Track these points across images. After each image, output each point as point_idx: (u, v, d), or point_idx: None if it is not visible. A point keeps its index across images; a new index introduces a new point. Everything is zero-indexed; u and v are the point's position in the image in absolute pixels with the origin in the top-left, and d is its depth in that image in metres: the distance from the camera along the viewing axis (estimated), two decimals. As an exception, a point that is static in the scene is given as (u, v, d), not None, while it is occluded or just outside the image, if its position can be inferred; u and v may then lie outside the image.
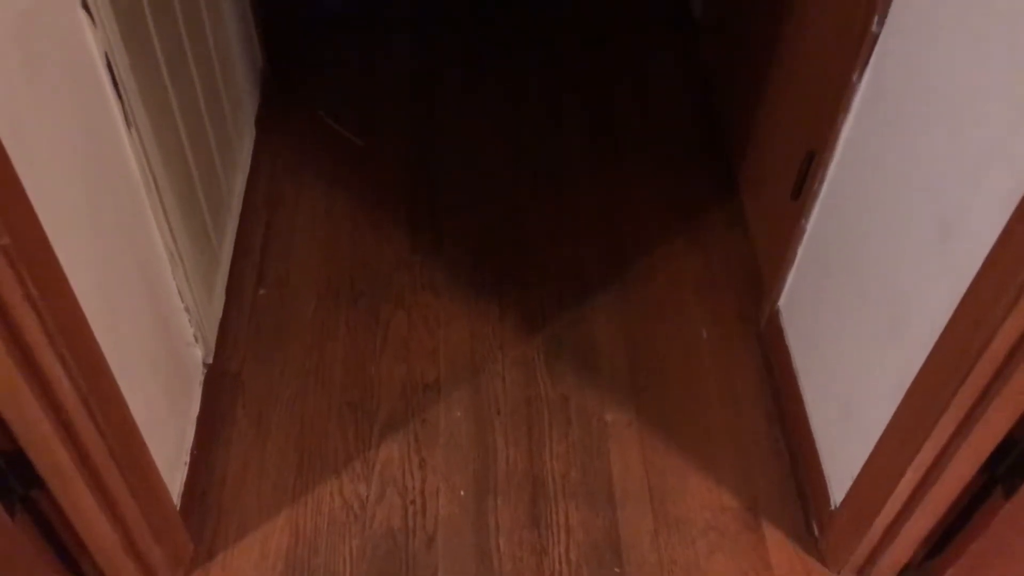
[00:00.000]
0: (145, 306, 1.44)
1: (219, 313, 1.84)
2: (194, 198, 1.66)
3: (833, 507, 1.57)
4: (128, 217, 1.38)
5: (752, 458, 1.74)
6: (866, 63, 1.48)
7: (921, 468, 1.31)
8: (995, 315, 1.08)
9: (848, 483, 1.51)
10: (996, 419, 1.19)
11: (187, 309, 1.62)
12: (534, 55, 2.64)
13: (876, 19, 1.43)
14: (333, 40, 2.66)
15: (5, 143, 0.95)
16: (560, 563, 1.58)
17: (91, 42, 1.23)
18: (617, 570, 1.58)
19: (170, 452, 1.53)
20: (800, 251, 1.76)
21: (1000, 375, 1.14)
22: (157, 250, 1.50)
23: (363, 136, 2.35)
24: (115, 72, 1.26)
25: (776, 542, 1.63)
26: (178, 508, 1.51)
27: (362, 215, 2.16)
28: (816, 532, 1.63)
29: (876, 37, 1.44)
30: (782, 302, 1.85)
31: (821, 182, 1.65)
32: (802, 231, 1.73)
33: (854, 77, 1.50)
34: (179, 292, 1.59)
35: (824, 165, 1.62)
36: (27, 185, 0.99)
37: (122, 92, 1.29)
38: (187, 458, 1.60)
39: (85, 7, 1.19)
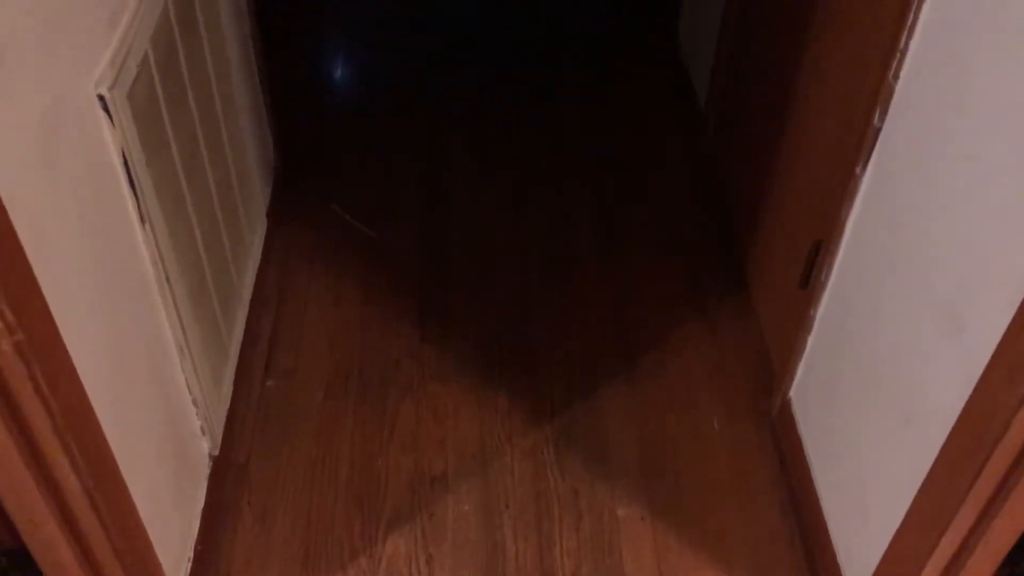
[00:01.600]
0: (153, 399, 1.44)
1: (226, 404, 1.84)
2: (205, 290, 1.68)
3: (851, 604, 1.53)
4: (139, 310, 1.39)
5: (766, 554, 1.71)
6: (869, 155, 1.50)
7: (939, 564, 1.28)
8: (1008, 406, 1.07)
9: (866, 579, 1.47)
10: (1015, 513, 1.16)
11: (195, 401, 1.62)
12: (543, 145, 2.68)
13: (878, 113, 1.45)
14: (344, 132, 2.71)
15: (23, 238, 0.96)
16: (571, 663, 1.54)
17: (109, 140, 1.25)
18: (630, 671, 1.53)
19: (174, 547, 1.51)
20: (810, 341, 1.75)
21: (1017, 466, 1.12)
22: (167, 343, 1.51)
23: (374, 227, 2.38)
24: (131, 169, 1.29)
25: (794, 641, 1.58)
26: (181, 606, 1.48)
27: (371, 304, 2.17)
28: (835, 630, 1.59)
29: (878, 131, 1.47)
30: (793, 392, 1.84)
31: (829, 272, 1.65)
32: (811, 321, 1.73)
33: (858, 169, 1.52)
34: (187, 384, 1.59)
35: (831, 255, 1.63)
36: (41, 279, 1.00)
37: (137, 188, 1.31)
38: (191, 553, 1.58)
39: (104, 107, 1.22)
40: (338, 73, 3.09)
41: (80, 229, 1.17)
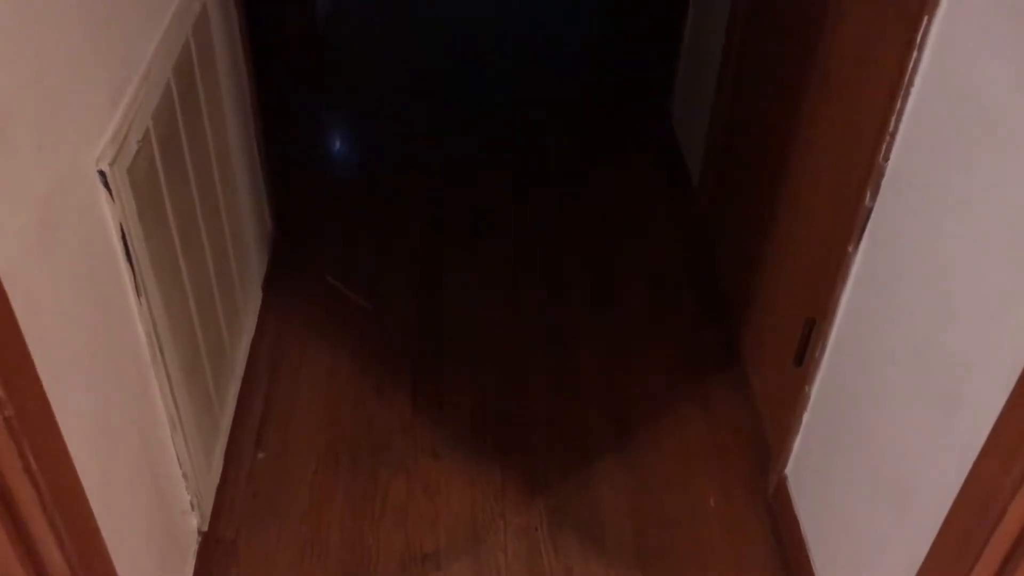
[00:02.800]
0: (143, 473, 1.42)
1: (216, 479, 1.82)
2: (198, 364, 1.67)
3: None
4: (132, 384, 1.38)
5: (764, 635, 1.67)
6: (861, 235, 1.51)
7: (941, 650, 1.26)
8: (1005, 489, 1.06)
9: (865, 665, 1.44)
10: (1015, 599, 1.15)
11: (185, 476, 1.60)
12: (537, 218, 2.71)
13: (869, 193, 1.47)
14: (341, 203, 2.73)
15: (17, 311, 0.96)
16: None
17: (108, 215, 1.26)
18: None
19: (159, 627, 1.47)
20: (806, 418, 1.75)
21: (1015, 551, 1.11)
22: (159, 416, 1.49)
23: (369, 299, 2.39)
24: (129, 243, 1.30)
25: None
26: None
27: (364, 377, 2.16)
28: None
29: (870, 211, 1.49)
30: (789, 469, 1.82)
31: (823, 350, 1.65)
32: (806, 398, 1.72)
33: (850, 248, 1.54)
34: (178, 459, 1.57)
35: (825, 333, 1.63)
36: (34, 353, 1.00)
37: (134, 262, 1.32)
38: (176, 633, 1.54)
39: (104, 183, 1.23)
40: (336, 145, 3.13)
41: (75, 302, 1.18)
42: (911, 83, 1.35)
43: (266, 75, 2.37)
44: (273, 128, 2.42)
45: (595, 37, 3.77)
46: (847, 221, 1.54)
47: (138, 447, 1.40)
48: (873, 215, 1.48)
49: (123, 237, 1.29)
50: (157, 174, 1.41)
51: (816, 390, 1.70)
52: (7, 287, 0.94)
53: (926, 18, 1.30)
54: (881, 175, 1.44)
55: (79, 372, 1.18)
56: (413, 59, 3.49)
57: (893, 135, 1.41)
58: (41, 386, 1.02)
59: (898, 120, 1.39)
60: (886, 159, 1.43)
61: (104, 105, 1.27)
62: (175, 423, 1.52)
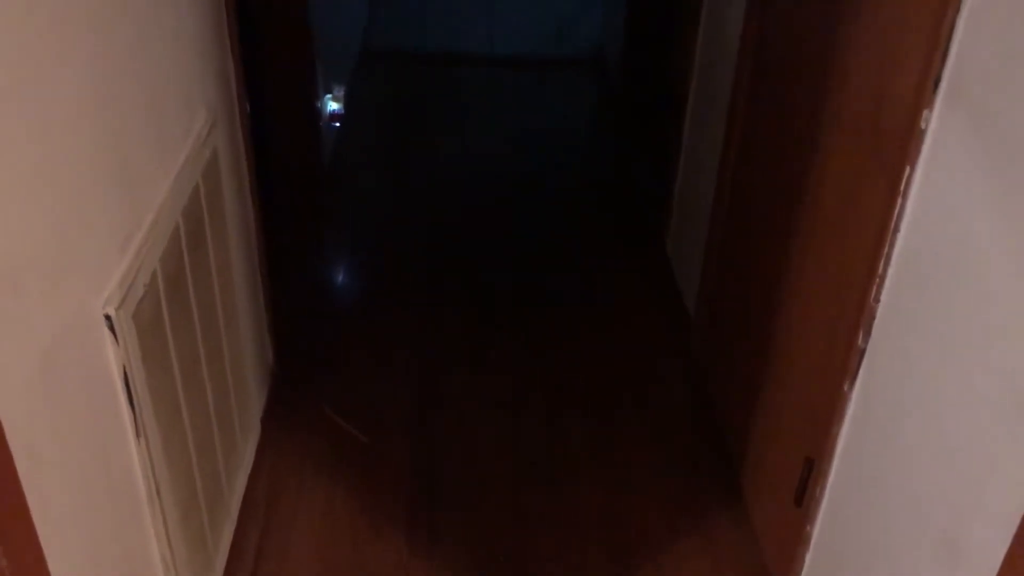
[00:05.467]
0: (133, 619, 1.39)
1: (209, 622, 1.77)
2: (194, 503, 1.66)
3: None
4: (127, 525, 1.37)
5: None
6: (855, 375, 1.53)
7: None
8: (1012, 642, 1.05)
9: None
10: None
11: (176, 620, 1.57)
12: (534, 350, 2.72)
13: (861, 334, 1.49)
14: (342, 337, 2.76)
15: (16, 457, 0.96)
16: None
17: (111, 357, 1.28)
18: None
19: None
20: (808, 558, 1.72)
21: None
22: (152, 558, 1.47)
23: (367, 432, 2.38)
24: (131, 385, 1.31)
25: None
26: None
27: (361, 514, 2.13)
28: None
29: (863, 351, 1.51)
30: (793, 612, 1.79)
31: (822, 490, 1.65)
32: (808, 538, 1.70)
33: (845, 387, 1.55)
34: (170, 602, 1.54)
35: (824, 473, 1.63)
36: (31, 499, 0.99)
37: (135, 404, 1.33)
38: None
39: (110, 326, 1.25)
40: (337, 278, 3.18)
41: (75, 446, 1.18)
42: (897, 228, 1.39)
43: (270, 210, 2.44)
44: (276, 262, 2.47)
45: (594, 172, 3.88)
46: (841, 360, 1.55)
47: (130, 592, 1.38)
48: (866, 356, 1.50)
49: (125, 379, 1.30)
50: (162, 317, 1.44)
51: (817, 531, 1.68)
52: (8, 435, 0.95)
53: (908, 167, 1.35)
54: (873, 316, 1.47)
55: (75, 514, 1.17)
56: (414, 194, 3.58)
57: (882, 277, 1.44)
58: (35, 534, 1.01)
59: (886, 263, 1.43)
60: (876, 300, 1.46)
61: (114, 251, 1.30)
62: (168, 565, 1.50)
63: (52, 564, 1.05)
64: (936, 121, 1.29)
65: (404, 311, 2.90)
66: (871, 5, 1.52)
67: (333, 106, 3.51)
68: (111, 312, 1.25)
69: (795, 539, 1.74)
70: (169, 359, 1.48)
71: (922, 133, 1.31)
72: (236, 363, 1.98)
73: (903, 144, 1.35)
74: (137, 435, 1.36)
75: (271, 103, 3.05)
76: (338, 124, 3.62)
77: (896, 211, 1.38)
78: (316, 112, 3.24)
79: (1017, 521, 1.04)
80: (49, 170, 1.10)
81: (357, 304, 3.00)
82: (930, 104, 1.29)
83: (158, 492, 1.43)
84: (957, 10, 1.23)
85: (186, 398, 1.58)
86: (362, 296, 3.05)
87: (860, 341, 1.50)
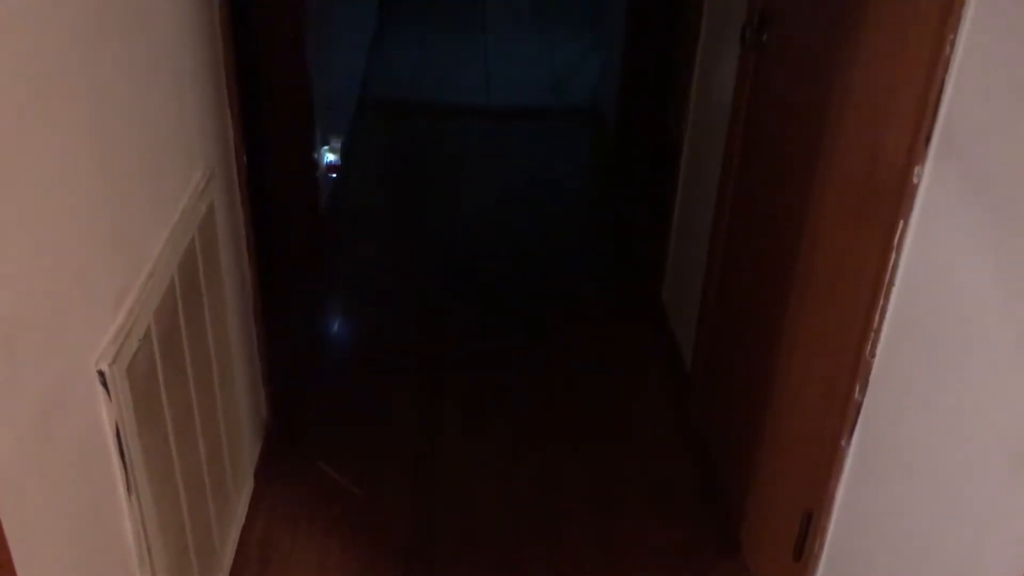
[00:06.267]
0: None
1: None
2: (186, 560, 1.63)
3: None
4: (116, 585, 1.35)
5: None
6: (853, 428, 1.52)
7: None
8: None
9: None
10: None
11: None
12: (532, 405, 2.71)
13: (858, 388, 1.49)
14: (337, 389, 2.74)
15: (4, 516, 0.95)
16: None
17: (104, 413, 1.27)
18: None
19: None
20: (808, 616, 1.70)
21: None
22: (142, 618, 1.45)
23: (362, 486, 2.36)
24: (123, 442, 1.30)
25: None
26: None
27: (356, 570, 2.11)
28: None
29: (860, 404, 1.50)
30: (794, 671, 1.76)
31: (821, 544, 1.63)
32: (807, 595, 1.68)
33: (843, 441, 1.54)
34: (159, 663, 1.51)
35: (822, 527, 1.62)
36: (16, 551, 0.98)
37: (127, 460, 1.32)
38: None
39: (103, 382, 1.25)
40: (333, 328, 3.17)
41: (65, 501, 1.17)
42: (891, 282, 1.40)
43: (266, 261, 2.44)
44: (271, 313, 2.47)
45: (589, 222, 3.90)
46: (838, 415, 1.55)
47: (118, 653, 1.35)
48: (863, 410, 1.50)
49: (118, 435, 1.29)
50: (156, 372, 1.43)
51: (817, 587, 1.66)
52: (-2, 495, 0.94)
53: (901, 222, 1.36)
54: (869, 370, 1.47)
55: (63, 571, 1.16)
56: (411, 245, 3.59)
57: (878, 331, 1.44)
58: (23, 597, 1.00)
59: (881, 317, 1.43)
60: (872, 355, 1.46)
61: (108, 306, 1.30)
62: (158, 625, 1.48)
63: (39, 626, 1.03)
64: (928, 176, 1.31)
65: (400, 362, 2.89)
66: (862, 63, 1.54)
67: (330, 157, 3.53)
68: (104, 368, 1.25)
69: (795, 595, 1.72)
70: (162, 414, 1.47)
71: (914, 188, 1.32)
72: (230, 416, 1.96)
73: (896, 199, 1.36)
74: (128, 492, 1.34)
75: (269, 154, 3.07)
76: (335, 175, 3.64)
77: (890, 265, 1.39)
78: (313, 163, 3.26)
79: (1018, 580, 1.03)
80: (45, 229, 1.10)
81: (352, 356, 2.99)
82: (922, 160, 1.31)
83: (149, 551, 1.41)
84: (946, 69, 1.24)
85: (179, 453, 1.56)
86: (357, 347, 3.04)
87: (857, 395, 1.50)
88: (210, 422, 1.78)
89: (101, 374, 1.25)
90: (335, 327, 3.18)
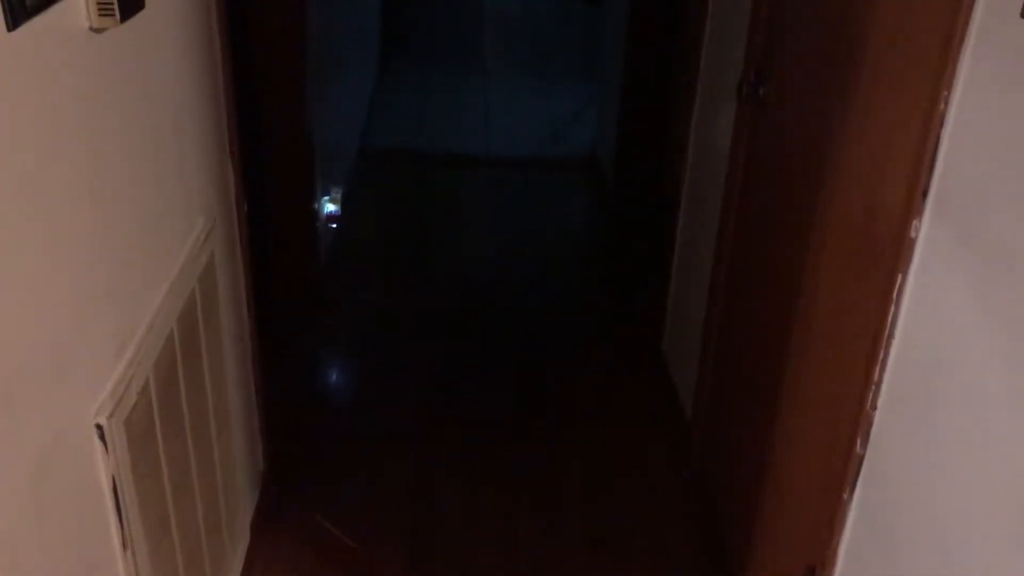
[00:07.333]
0: None
1: None
2: (181, 616, 1.61)
3: None
4: (109, 643, 1.33)
5: None
6: (855, 482, 1.51)
7: None
8: None
9: None
10: None
11: None
12: (531, 460, 2.69)
13: (859, 441, 1.48)
14: (335, 441, 2.73)
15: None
16: None
17: (101, 467, 1.26)
18: None
19: None
20: (812, 674, 1.67)
21: None
22: (134, 676, 1.43)
23: (359, 539, 2.33)
24: (119, 495, 1.29)
25: None
26: None
27: (353, 625, 2.08)
28: None
29: (862, 458, 1.49)
30: None
31: (825, 600, 1.61)
32: (812, 652, 1.65)
33: (845, 495, 1.53)
34: None
35: (826, 583, 1.59)
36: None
37: (123, 514, 1.30)
38: None
39: (101, 436, 1.24)
40: (331, 380, 3.16)
41: (59, 555, 1.15)
42: (891, 335, 1.40)
43: (265, 311, 2.44)
44: (270, 363, 2.46)
45: (588, 272, 3.91)
46: (840, 467, 1.54)
47: None
48: (865, 463, 1.49)
49: (114, 490, 1.28)
50: (154, 424, 1.43)
51: (822, 644, 1.63)
52: (-7, 553, 0.93)
53: (900, 275, 1.36)
54: (870, 423, 1.46)
55: (56, 635, 1.14)
56: (410, 296, 3.60)
57: (878, 384, 1.44)
58: (15, 656, 0.98)
59: (882, 370, 1.43)
60: (874, 407, 1.45)
61: (108, 359, 1.30)
62: None
63: None
64: (926, 230, 1.31)
65: (398, 415, 2.87)
66: (858, 118, 1.56)
67: (330, 207, 3.55)
68: (102, 421, 1.24)
69: (799, 652, 1.69)
70: (159, 468, 1.46)
71: (912, 242, 1.33)
72: (226, 469, 1.95)
73: (894, 253, 1.36)
74: (124, 546, 1.33)
75: (269, 204, 3.09)
76: (335, 225, 3.66)
77: (890, 319, 1.39)
78: (314, 213, 3.28)
79: (1026, 640, 1.02)
80: (44, 283, 1.10)
81: (350, 407, 2.98)
82: (919, 214, 1.31)
83: (143, 606, 1.39)
84: (941, 123, 1.26)
85: (175, 507, 1.55)
86: (356, 399, 3.03)
87: (859, 448, 1.49)
88: (207, 475, 1.77)
89: (99, 427, 1.24)
90: (333, 378, 3.18)
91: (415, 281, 3.70)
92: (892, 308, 1.38)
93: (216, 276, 1.85)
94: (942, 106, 1.25)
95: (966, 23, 1.20)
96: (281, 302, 3.14)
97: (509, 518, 2.45)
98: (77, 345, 1.20)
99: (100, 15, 1.19)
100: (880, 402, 1.44)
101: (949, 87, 1.24)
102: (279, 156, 3.08)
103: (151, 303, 1.48)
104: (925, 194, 1.30)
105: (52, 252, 1.12)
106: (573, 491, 2.55)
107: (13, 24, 0.97)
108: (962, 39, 1.21)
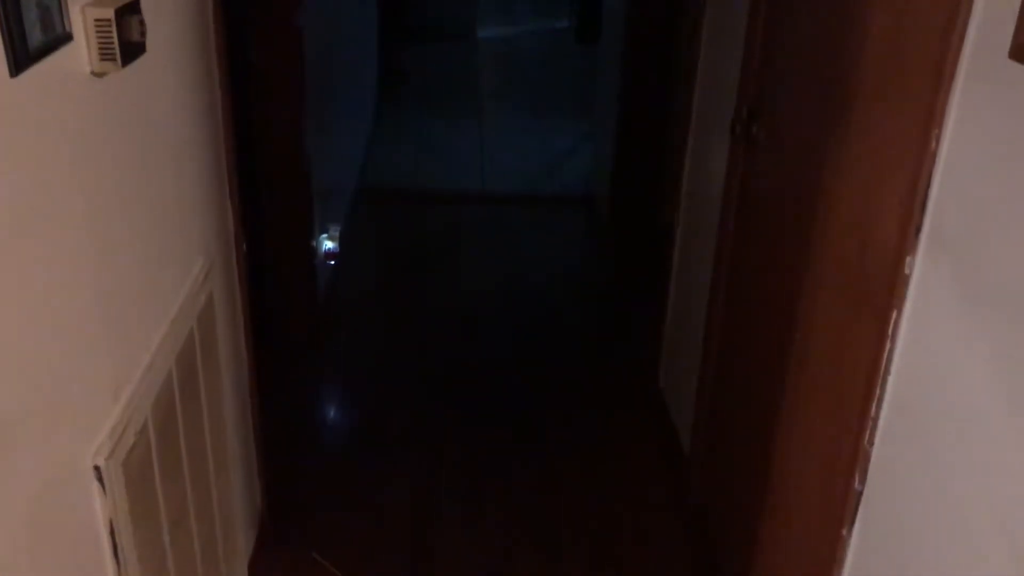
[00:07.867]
0: None
1: None
2: (177, 659, 1.60)
3: None
4: None
5: None
6: (854, 518, 1.51)
7: None
8: None
9: None
10: None
11: None
12: (530, 496, 2.68)
13: (857, 477, 1.48)
14: (333, 480, 2.72)
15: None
16: None
17: (98, 509, 1.26)
18: None
19: None
20: None
21: None
22: None
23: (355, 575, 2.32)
24: (116, 538, 1.28)
25: None
26: None
27: (350, 667, 2.06)
28: None
29: (860, 494, 1.49)
30: None
31: (826, 638, 1.60)
32: None
33: (844, 531, 1.52)
34: None
35: (827, 621, 1.58)
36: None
37: (120, 557, 1.30)
38: None
39: (99, 477, 1.24)
40: (329, 415, 3.15)
41: (57, 604, 1.15)
42: (887, 371, 1.40)
43: (264, 349, 2.44)
44: (268, 400, 2.46)
45: (585, 306, 3.92)
46: (839, 504, 1.53)
47: None
48: (864, 499, 1.48)
49: (111, 532, 1.28)
50: (151, 466, 1.42)
51: None
52: (-10, 595, 0.93)
53: (895, 312, 1.37)
54: (868, 459, 1.46)
55: None
56: (408, 334, 3.60)
57: (875, 420, 1.44)
58: None
59: (879, 406, 1.43)
60: (871, 443, 1.45)
61: (106, 400, 1.30)
62: None
63: None
64: (920, 267, 1.32)
65: (396, 454, 2.86)
66: (851, 156, 1.58)
67: (329, 245, 3.56)
68: (100, 463, 1.24)
69: None
70: (157, 509, 1.46)
71: (907, 278, 1.34)
72: (224, 508, 1.94)
73: (889, 289, 1.37)
74: (121, 589, 1.32)
75: (268, 243, 3.11)
76: (333, 262, 3.67)
77: (885, 354, 1.39)
78: (312, 251, 3.29)
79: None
80: (44, 326, 1.11)
81: (349, 446, 2.97)
82: (913, 250, 1.32)
83: (140, 649, 1.38)
84: (933, 161, 1.27)
85: (173, 548, 1.54)
86: (354, 438, 3.02)
87: (857, 484, 1.49)
88: (205, 514, 1.76)
89: (97, 469, 1.24)
90: (331, 416, 3.17)
91: (413, 317, 3.71)
92: (888, 344, 1.38)
93: (215, 315, 1.85)
94: (933, 144, 1.27)
95: (955, 64, 1.22)
96: (280, 339, 3.14)
97: (508, 557, 2.43)
98: (75, 386, 1.20)
99: (102, 59, 1.21)
100: (877, 437, 1.45)
101: (940, 126, 1.25)
102: (278, 194, 3.09)
103: (150, 343, 1.49)
104: (919, 231, 1.31)
105: (51, 294, 1.13)
106: (571, 526, 2.54)
107: (16, 69, 0.99)
108: (951, 79, 1.23)
